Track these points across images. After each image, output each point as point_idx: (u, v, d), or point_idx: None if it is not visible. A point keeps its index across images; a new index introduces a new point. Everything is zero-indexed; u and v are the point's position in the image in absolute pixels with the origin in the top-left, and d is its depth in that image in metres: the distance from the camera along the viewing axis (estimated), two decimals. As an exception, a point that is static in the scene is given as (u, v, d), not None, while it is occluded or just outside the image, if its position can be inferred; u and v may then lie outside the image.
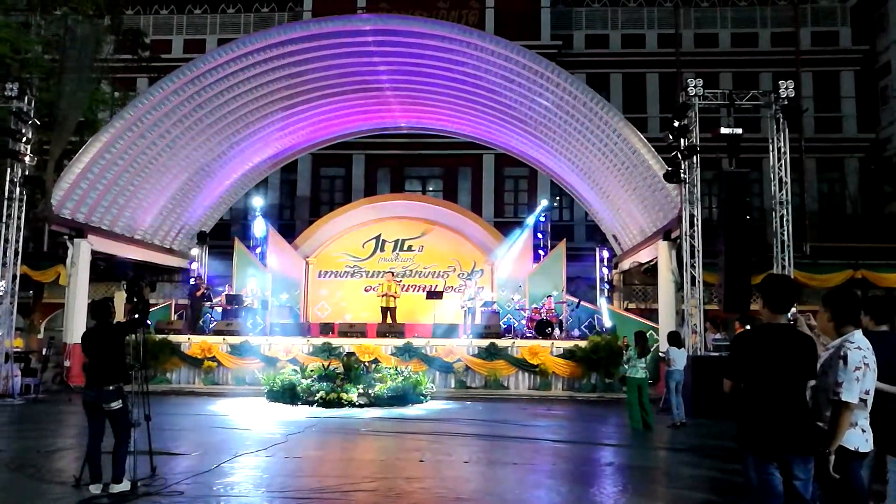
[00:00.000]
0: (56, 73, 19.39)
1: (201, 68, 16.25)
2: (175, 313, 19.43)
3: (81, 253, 15.97)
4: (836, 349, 3.71)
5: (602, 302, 18.94)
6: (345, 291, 20.46)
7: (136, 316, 6.43)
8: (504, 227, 22.09)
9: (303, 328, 17.15)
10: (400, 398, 12.95)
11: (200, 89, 16.55)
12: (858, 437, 3.72)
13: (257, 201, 21.32)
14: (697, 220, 13.62)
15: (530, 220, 20.52)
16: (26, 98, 14.35)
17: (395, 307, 17.90)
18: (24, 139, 14.26)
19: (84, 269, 16.04)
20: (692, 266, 13.53)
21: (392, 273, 18.75)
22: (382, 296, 18.01)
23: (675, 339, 11.41)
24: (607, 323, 17.87)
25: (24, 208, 14.35)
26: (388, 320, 17.40)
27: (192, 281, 19.48)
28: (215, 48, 16.84)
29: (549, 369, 15.23)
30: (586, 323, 18.60)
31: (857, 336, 3.75)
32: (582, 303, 18.56)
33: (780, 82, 13.59)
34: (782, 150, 13.68)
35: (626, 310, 19.68)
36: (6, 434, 9.95)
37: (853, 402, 3.57)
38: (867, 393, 3.66)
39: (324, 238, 21.01)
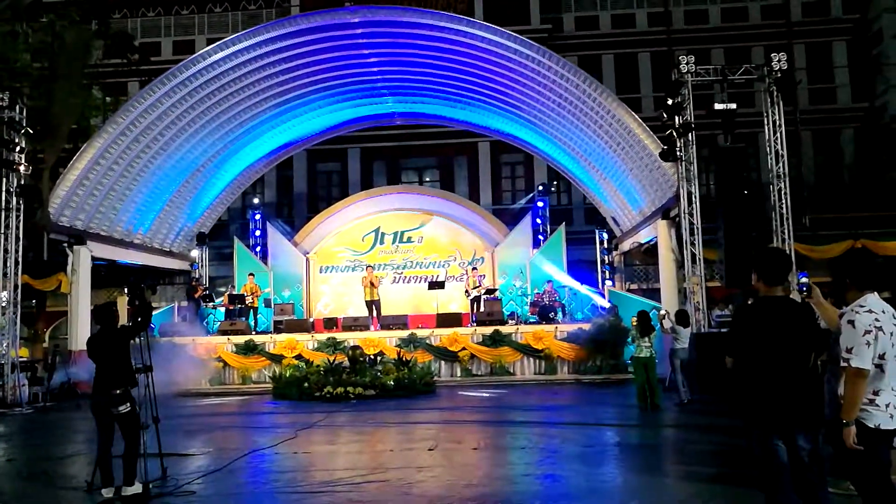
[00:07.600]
0: (46, 80, 19.31)
1: (192, 69, 16.20)
2: (178, 315, 19.45)
3: (81, 260, 15.96)
4: (845, 315, 3.50)
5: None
6: (347, 286, 20.45)
7: (139, 319, 6.45)
8: (502, 213, 22.08)
9: (307, 324, 17.17)
10: (406, 389, 13.00)
11: (192, 90, 16.50)
12: (879, 412, 3.41)
13: (255, 200, 21.28)
14: (695, 197, 13.61)
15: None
16: (17, 107, 14.32)
17: (378, 299, 17.44)
18: (18, 148, 14.24)
19: (85, 275, 16.03)
20: (692, 244, 13.54)
21: (371, 267, 18.47)
22: (368, 285, 17.46)
23: (682, 318, 11.42)
24: (606, 305, 17.86)
25: (21, 218, 14.36)
26: (374, 314, 16.99)
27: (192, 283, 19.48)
28: (205, 48, 16.74)
29: (553, 353, 15.24)
30: (589, 306, 18.62)
31: (871, 299, 3.49)
32: (583, 286, 18.58)
33: (772, 55, 13.51)
34: (777, 123, 13.65)
35: (629, 290, 19.70)
36: (17, 442, 9.99)
37: (865, 367, 3.35)
38: (882, 357, 3.40)
39: (323, 233, 20.99)
